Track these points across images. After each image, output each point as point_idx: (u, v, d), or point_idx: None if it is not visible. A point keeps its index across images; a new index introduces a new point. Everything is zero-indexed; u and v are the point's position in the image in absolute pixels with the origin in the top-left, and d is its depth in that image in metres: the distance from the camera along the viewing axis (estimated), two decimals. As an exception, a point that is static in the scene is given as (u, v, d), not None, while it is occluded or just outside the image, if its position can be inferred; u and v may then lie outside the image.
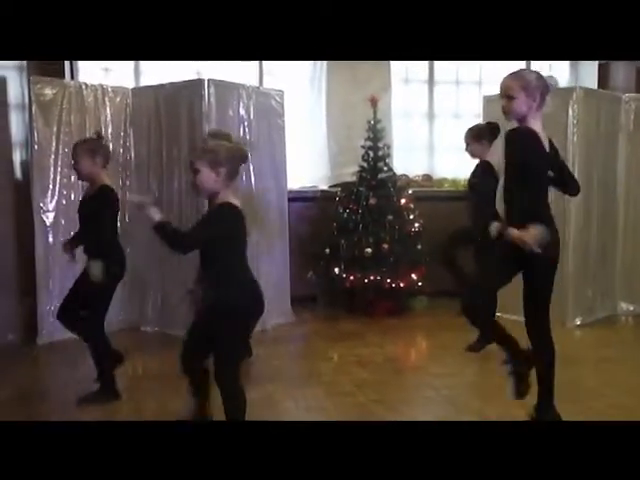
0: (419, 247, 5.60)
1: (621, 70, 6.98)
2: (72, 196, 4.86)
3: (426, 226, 5.71)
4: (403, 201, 5.69)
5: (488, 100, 5.89)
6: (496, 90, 7.02)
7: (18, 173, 5.03)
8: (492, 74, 7.02)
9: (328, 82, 6.33)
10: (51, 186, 4.83)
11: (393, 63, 6.51)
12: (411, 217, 5.67)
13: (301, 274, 5.61)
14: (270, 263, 5.30)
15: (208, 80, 4.78)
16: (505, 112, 2.86)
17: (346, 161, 6.15)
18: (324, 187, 6.34)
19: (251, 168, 5.07)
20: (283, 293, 5.45)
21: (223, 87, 4.89)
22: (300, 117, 6.34)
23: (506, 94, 2.82)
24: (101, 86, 5.13)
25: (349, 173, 5.95)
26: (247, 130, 5.03)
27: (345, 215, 5.62)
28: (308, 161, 6.47)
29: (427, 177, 6.83)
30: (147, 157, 5.14)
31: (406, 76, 6.83)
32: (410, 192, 5.88)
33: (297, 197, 5.95)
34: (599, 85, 6.93)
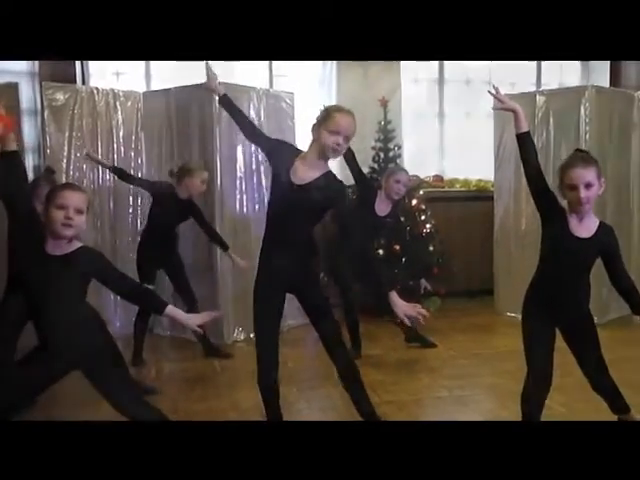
0: (431, 248, 5.58)
1: (634, 68, 6.94)
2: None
3: (438, 227, 5.69)
4: (414, 202, 5.67)
5: (499, 100, 5.88)
6: (506, 89, 7.01)
7: (31, 178, 5.06)
8: (502, 73, 7.02)
9: (338, 83, 6.32)
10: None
11: (403, 63, 6.49)
12: (423, 218, 5.66)
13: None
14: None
15: (218, 83, 4.78)
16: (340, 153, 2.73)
17: (356, 162, 6.14)
18: (335, 188, 6.33)
19: (262, 170, 5.08)
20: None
21: (233, 90, 4.84)
22: (310, 118, 6.33)
23: (347, 135, 2.66)
24: (112, 91, 5.15)
25: (359, 174, 5.94)
26: (258, 132, 5.03)
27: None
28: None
29: (438, 178, 6.81)
30: (158, 161, 5.15)
31: (416, 76, 6.82)
32: (421, 193, 5.86)
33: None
34: (611, 83, 6.89)
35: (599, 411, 3.43)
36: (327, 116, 2.63)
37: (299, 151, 2.75)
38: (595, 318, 5.16)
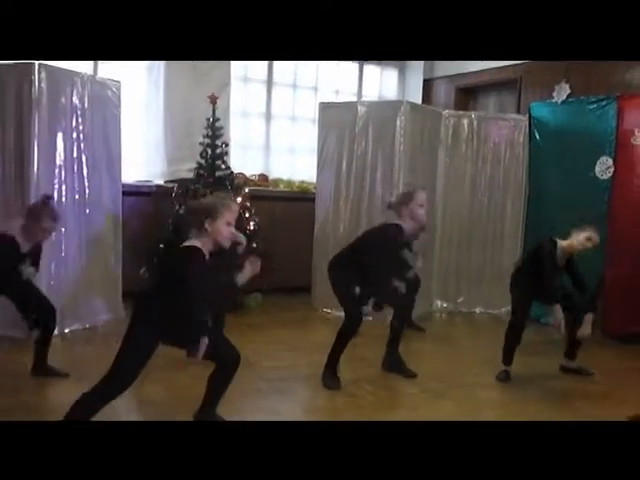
0: (255, 245, 5.71)
1: (443, 87, 7.62)
2: None
3: (262, 225, 5.84)
4: (240, 200, 5.76)
5: (324, 106, 6.18)
6: (331, 97, 7.32)
7: None
8: (327, 81, 7.35)
9: (167, 75, 6.23)
10: None
11: (233, 61, 6.56)
12: (247, 215, 5.77)
13: (134, 270, 5.48)
14: (101, 257, 5.16)
15: (39, 64, 4.53)
16: None
17: (183, 157, 6.12)
18: (160, 182, 6.25)
19: (84, 159, 4.90)
20: (114, 288, 5.32)
21: (55, 73, 4.65)
22: (137, 109, 6.20)
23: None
24: None
25: (186, 169, 5.93)
26: (80, 120, 4.84)
27: (181, 212, 5.58)
28: (143, 154, 6.35)
29: (263, 177, 6.98)
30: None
31: (245, 75, 6.92)
32: (247, 191, 5.98)
33: (131, 191, 5.81)
34: (423, 100, 7.50)
35: (401, 396, 3.80)
36: None
37: None
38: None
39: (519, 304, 4.21)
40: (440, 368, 4.38)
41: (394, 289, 3.90)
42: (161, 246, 5.51)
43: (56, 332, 4.67)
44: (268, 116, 7.13)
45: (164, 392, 3.66)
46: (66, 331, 4.80)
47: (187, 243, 2.78)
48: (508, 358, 4.17)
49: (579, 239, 4.07)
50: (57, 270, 4.78)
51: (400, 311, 4.23)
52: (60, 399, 3.60)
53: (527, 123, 6.16)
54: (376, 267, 3.84)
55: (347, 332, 3.90)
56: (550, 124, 6.00)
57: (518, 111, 6.69)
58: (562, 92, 6.18)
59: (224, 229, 2.80)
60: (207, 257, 2.80)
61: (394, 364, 4.17)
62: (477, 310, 6.28)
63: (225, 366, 2.99)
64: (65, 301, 4.83)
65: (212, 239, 2.79)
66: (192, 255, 2.73)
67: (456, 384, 4.02)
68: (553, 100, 6.17)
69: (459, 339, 5.45)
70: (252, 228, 5.74)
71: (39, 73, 4.51)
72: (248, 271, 2.96)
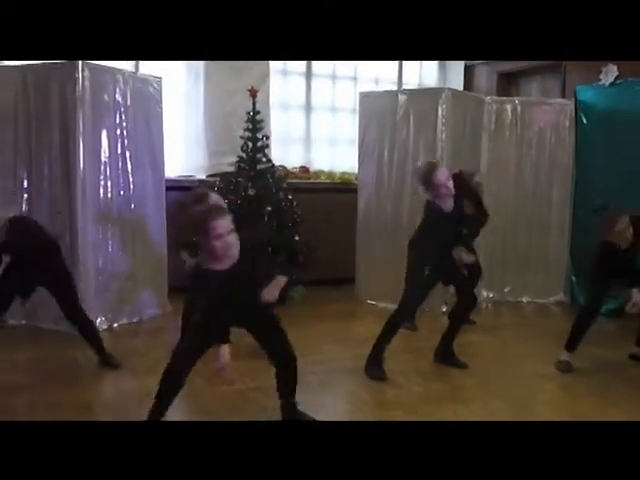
0: (297, 238, 5.70)
1: (484, 73, 7.47)
2: None
3: (304, 217, 5.82)
4: (281, 193, 5.76)
5: (364, 96, 6.12)
6: (370, 86, 7.25)
7: None
8: (367, 71, 7.28)
9: (206, 69, 6.26)
10: None
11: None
12: (289, 207, 5.76)
13: (179, 264, 5.51)
14: (147, 253, 5.21)
15: (82, 63, 4.58)
16: None
17: (224, 151, 6.14)
18: (202, 176, 6.29)
19: (127, 156, 4.95)
20: (160, 283, 5.37)
21: (98, 70, 4.70)
22: (177, 104, 6.24)
23: None
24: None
25: (227, 163, 5.94)
26: (124, 117, 4.89)
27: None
28: (185, 149, 6.39)
29: (304, 169, 6.96)
30: (14, 142, 4.81)
31: (284, 68, 6.91)
32: (288, 183, 5.96)
33: (174, 186, 5.84)
34: (465, 87, 7.38)
35: (450, 389, 3.75)
36: None
37: None
38: (446, 306, 5.53)
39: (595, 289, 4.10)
40: (489, 359, 4.31)
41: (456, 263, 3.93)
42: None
43: (105, 326, 4.81)
44: (308, 108, 7.10)
45: (206, 386, 3.67)
46: (115, 325, 4.88)
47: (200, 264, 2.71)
48: (572, 345, 4.04)
49: (616, 232, 3.79)
50: (104, 266, 4.85)
51: (464, 299, 4.13)
52: (113, 392, 3.68)
53: (573, 107, 6.00)
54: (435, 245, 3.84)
55: (397, 317, 3.90)
56: (597, 107, 5.83)
57: (563, 96, 6.51)
58: (610, 74, 5.98)
59: (215, 245, 2.60)
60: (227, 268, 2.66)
61: (447, 356, 4.12)
62: (524, 299, 6.17)
63: (285, 363, 3.11)
64: (113, 296, 4.91)
65: (212, 255, 2.62)
66: (197, 281, 2.72)
67: (506, 376, 3.93)
68: (600, 83, 5.99)
69: (507, 329, 5.34)
70: (294, 221, 5.74)
71: (82, 71, 4.56)
72: (274, 288, 2.85)
